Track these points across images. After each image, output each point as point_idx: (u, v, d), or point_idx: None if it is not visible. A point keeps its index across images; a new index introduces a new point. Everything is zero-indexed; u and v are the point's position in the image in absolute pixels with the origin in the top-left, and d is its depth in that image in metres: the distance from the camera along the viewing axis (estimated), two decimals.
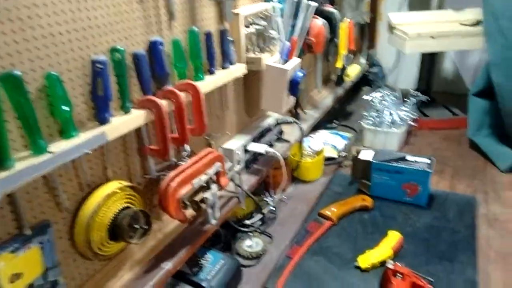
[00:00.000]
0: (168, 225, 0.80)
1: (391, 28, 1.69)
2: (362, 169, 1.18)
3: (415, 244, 0.98)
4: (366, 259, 0.92)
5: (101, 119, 0.59)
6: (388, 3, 1.96)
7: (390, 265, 0.84)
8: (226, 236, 1.00)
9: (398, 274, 0.83)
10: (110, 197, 0.61)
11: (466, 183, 1.24)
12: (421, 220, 1.07)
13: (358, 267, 0.91)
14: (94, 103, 0.59)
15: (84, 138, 0.55)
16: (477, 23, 1.47)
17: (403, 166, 1.12)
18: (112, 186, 0.62)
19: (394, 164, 1.13)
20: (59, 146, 0.52)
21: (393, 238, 0.97)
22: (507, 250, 0.96)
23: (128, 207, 0.64)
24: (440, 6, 1.73)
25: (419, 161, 1.13)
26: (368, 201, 1.13)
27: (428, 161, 1.12)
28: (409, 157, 1.15)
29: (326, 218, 1.08)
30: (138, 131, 0.69)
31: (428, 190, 1.11)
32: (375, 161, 1.14)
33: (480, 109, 1.47)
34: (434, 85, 1.82)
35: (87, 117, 0.59)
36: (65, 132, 0.54)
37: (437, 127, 1.62)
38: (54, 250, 0.55)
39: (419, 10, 1.78)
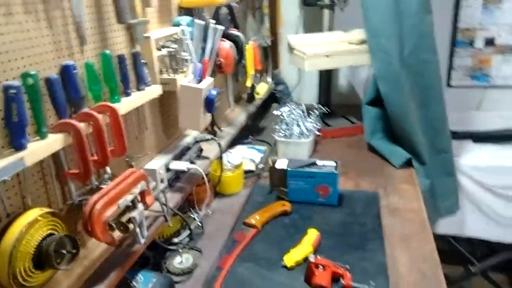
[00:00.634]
0: (94, 251, 0.78)
1: (291, 49, 1.84)
2: (279, 178, 1.26)
3: (331, 239, 1.08)
4: (291, 258, 0.99)
5: (17, 145, 0.58)
6: (286, 27, 2.14)
7: (312, 259, 0.92)
8: (155, 257, 0.99)
9: (320, 266, 0.92)
10: (32, 225, 0.59)
11: (368, 181, 1.40)
12: (334, 217, 1.18)
13: (284, 266, 0.98)
14: (9, 130, 0.57)
15: (0, 165, 0.53)
16: (363, 42, 1.68)
17: (314, 170, 1.23)
18: (33, 213, 0.61)
19: (307, 169, 1.23)
20: None
21: (312, 236, 1.06)
22: (407, 234, 1.10)
23: (52, 234, 0.62)
24: (331, 28, 1.95)
25: (328, 165, 1.25)
26: (287, 206, 1.21)
27: (335, 164, 1.25)
28: (318, 162, 1.26)
29: (251, 226, 1.13)
30: (55, 155, 0.68)
31: (337, 190, 1.23)
32: (290, 169, 1.24)
33: (372, 116, 1.66)
34: (333, 99, 2.01)
35: (2, 145, 0.57)
36: None
37: (339, 135, 1.79)
38: None
39: (313, 32, 1.98)
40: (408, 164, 1.50)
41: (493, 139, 1.99)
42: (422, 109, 1.60)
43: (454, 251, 2.17)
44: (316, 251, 1.02)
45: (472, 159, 1.89)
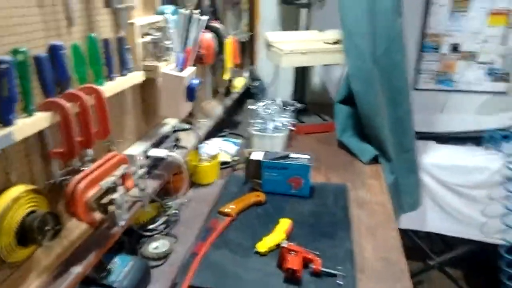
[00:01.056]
0: (72, 232, 0.79)
1: (268, 45, 1.88)
2: (254, 169, 1.30)
3: (302, 227, 1.13)
4: (264, 245, 1.03)
5: (6, 120, 0.58)
6: (264, 24, 2.18)
7: (284, 244, 0.97)
8: (131, 243, 1.00)
9: (292, 252, 0.96)
10: (16, 201, 0.60)
11: (338, 175, 1.46)
12: (306, 208, 1.23)
13: (258, 252, 1.01)
14: None
15: None
16: (337, 42, 1.74)
17: (288, 162, 1.27)
18: (18, 189, 0.61)
19: (281, 161, 1.28)
20: None
21: (284, 224, 1.11)
22: (372, 225, 1.17)
23: (35, 211, 0.63)
24: (307, 27, 2.00)
25: (301, 158, 1.30)
26: (261, 197, 1.25)
27: (308, 157, 1.30)
28: (292, 155, 1.31)
29: (226, 214, 1.16)
30: (40, 134, 0.68)
31: (309, 182, 1.29)
32: (265, 160, 1.28)
33: (344, 114, 1.72)
34: (307, 96, 2.07)
35: None
36: None
37: (311, 131, 1.85)
38: None
39: (289, 30, 2.03)
40: (375, 160, 1.57)
41: (454, 140, 2.12)
42: (391, 108, 1.67)
43: (414, 246, 2.29)
44: (288, 239, 1.06)
45: (435, 158, 2.00)
